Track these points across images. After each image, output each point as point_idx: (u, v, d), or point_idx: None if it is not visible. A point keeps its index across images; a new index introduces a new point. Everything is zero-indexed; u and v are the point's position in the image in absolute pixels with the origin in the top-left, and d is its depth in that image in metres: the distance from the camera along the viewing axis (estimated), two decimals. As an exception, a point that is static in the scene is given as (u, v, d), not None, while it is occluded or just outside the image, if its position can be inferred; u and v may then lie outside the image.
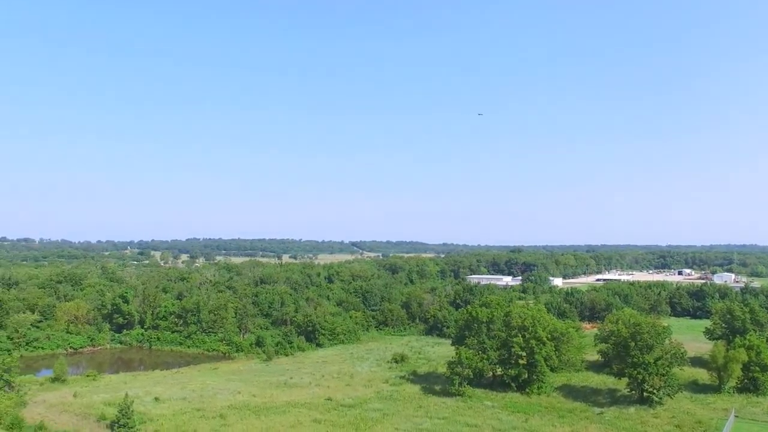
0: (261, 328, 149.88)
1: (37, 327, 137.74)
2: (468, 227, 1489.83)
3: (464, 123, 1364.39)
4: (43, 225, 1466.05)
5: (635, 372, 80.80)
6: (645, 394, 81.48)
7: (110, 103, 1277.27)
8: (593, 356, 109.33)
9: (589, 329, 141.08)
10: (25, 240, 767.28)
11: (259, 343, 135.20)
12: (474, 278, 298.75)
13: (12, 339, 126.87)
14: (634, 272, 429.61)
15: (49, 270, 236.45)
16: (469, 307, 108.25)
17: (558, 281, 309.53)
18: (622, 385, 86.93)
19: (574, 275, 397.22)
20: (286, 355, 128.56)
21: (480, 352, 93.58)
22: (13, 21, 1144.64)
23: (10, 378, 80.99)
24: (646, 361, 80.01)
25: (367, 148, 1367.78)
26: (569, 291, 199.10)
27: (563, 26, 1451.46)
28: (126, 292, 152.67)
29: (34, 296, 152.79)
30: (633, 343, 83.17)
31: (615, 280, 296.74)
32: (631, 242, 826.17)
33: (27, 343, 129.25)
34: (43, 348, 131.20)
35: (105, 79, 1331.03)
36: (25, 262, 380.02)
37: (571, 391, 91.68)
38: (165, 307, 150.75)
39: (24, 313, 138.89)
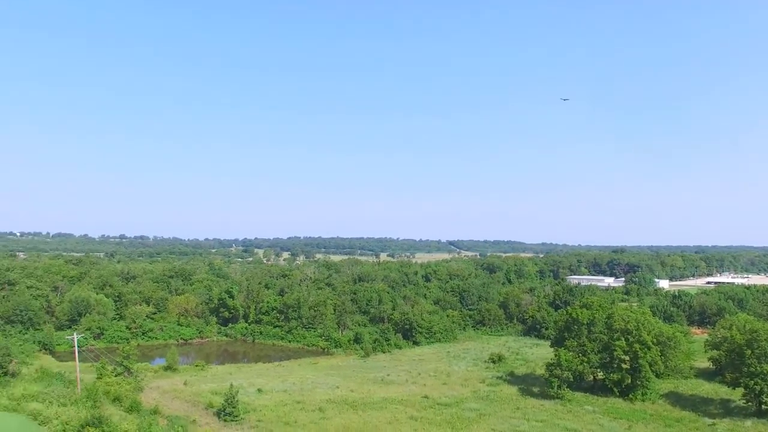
0: (359, 324, 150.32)
1: (152, 318, 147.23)
2: (567, 227, 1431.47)
3: (562, 119, 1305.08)
4: (157, 224, 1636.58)
5: (752, 382, 73.31)
6: (764, 406, 75.11)
7: (218, 108, 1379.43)
8: (703, 363, 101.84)
9: (699, 335, 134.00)
10: (141, 238, 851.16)
11: (357, 339, 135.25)
12: (574, 279, 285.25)
13: (130, 329, 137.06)
14: (750, 275, 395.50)
15: (162, 265, 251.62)
16: (569, 308, 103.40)
17: (664, 283, 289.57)
18: (737, 395, 79.22)
19: (682, 277, 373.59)
20: (384, 352, 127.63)
21: (580, 354, 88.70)
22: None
23: (130, 365, 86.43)
24: (765, 371, 72.38)
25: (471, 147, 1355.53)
26: (676, 294, 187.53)
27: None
28: (231, 288, 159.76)
29: (149, 290, 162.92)
30: (749, 351, 75.51)
31: (728, 283, 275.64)
32: (746, 243, 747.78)
33: (143, 333, 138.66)
34: (156, 338, 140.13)
35: (203, 83, 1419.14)
36: (141, 258, 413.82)
37: (678, 399, 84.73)
38: (267, 302, 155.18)
39: (140, 305, 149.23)
